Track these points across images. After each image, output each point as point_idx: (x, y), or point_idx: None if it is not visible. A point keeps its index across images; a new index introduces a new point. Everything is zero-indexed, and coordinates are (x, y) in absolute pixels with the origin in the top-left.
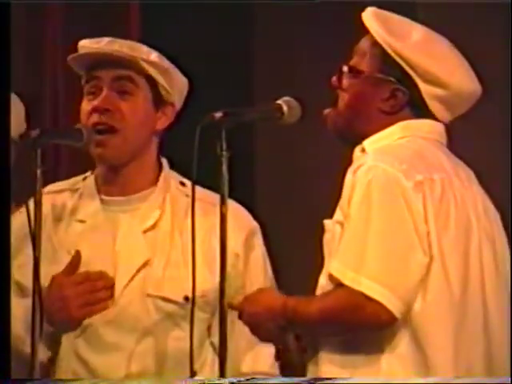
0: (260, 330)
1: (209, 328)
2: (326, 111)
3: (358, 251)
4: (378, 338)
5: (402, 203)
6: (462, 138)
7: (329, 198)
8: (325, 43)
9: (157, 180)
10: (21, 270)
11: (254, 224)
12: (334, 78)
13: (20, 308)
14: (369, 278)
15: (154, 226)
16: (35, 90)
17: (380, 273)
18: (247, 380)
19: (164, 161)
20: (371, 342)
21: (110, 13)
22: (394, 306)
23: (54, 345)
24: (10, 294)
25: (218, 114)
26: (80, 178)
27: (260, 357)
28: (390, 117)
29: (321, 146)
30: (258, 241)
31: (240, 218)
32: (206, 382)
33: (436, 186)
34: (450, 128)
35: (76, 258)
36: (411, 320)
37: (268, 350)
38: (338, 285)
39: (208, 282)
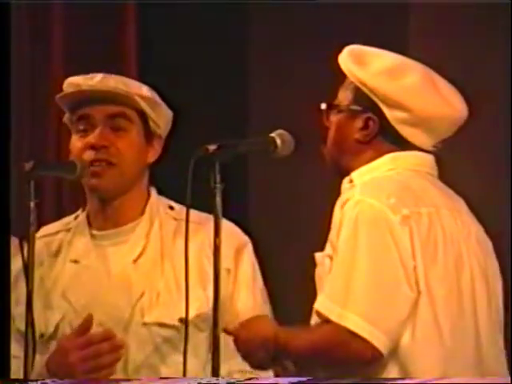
0: (251, 357)
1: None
2: (322, 150)
3: (345, 287)
4: (367, 371)
5: (388, 238)
6: (461, 139)
7: (321, 229)
8: (320, 73)
9: (144, 209)
10: (23, 319)
11: (245, 238)
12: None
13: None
14: (355, 313)
15: (141, 254)
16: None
17: (366, 309)
18: (244, 380)
19: (152, 189)
20: (362, 375)
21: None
22: (380, 343)
23: None
24: (9, 294)
25: (212, 147)
26: (72, 217)
27: None
28: (366, 146)
29: (313, 178)
30: (248, 254)
31: (229, 234)
32: (202, 381)
33: (423, 219)
34: (440, 158)
35: (87, 320)
36: (400, 354)
37: None
38: (325, 320)
39: (202, 299)
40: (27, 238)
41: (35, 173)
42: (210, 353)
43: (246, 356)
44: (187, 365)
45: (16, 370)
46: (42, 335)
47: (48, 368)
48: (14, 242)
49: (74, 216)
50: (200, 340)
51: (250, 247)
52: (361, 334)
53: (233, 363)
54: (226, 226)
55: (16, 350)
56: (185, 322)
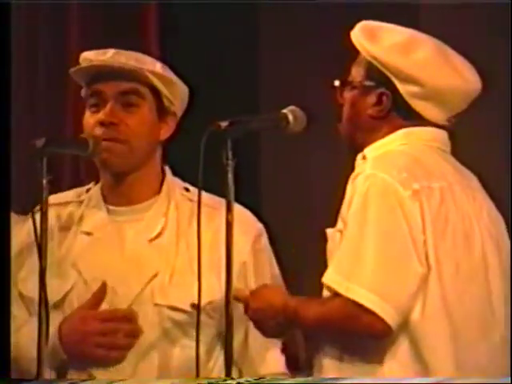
0: (263, 326)
1: (219, 334)
2: (338, 127)
3: (353, 260)
4: (378, 345)
5: (398, 212)
6: (460, 139)
7: (334, 205)
8: (331, 51)
9: (160, 188)
10: (26, 282)
11: (260, 226)
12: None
13: (32, 329)
14: (364, 287)
15: (159, 235)
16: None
17: (375, 282)
18: (255, 380)
19: (167, 169)
20: (371, 349)
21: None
22: (389, 316)
23: (64, 368)
24: (10, 295)
25: (224, 123)
26: (83, 189)
27: (277, 358)
28: (379, 121)
29: (325, 154)
30: (265, 242)
31: (245, 223)
32: (213, 381)
33: (434, 194)
34: (453, 134)
35: (102, 289)
36: (410, 328)
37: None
38: (334, 293)
39: (215, 287)
40: (41, 214)
41: (47, 150)
42: (217, 340)
43: (258, 324)
44: (193, 349)
45: (13, 331)
46: (39, 303)
47: (60, 332)
48: (15, 216)
49: (85, 188)
50: (208, 327)
51: (265, 235)
52: (369, 307)
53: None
54: (241, 213)
55: (15, 309)
56: (197, 308)
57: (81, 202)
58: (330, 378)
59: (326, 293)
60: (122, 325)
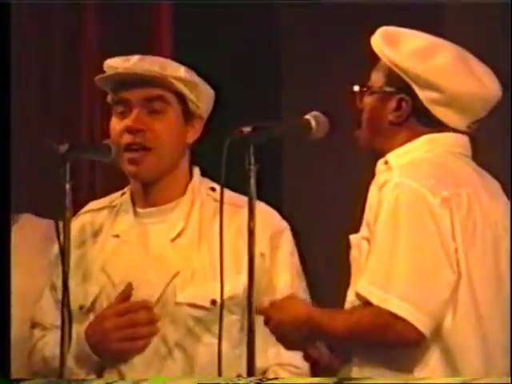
0: (285, 339)
1: (242, 329)
2: (356, 132)
3: (386, 269)
4: (409, 353)
5: (429, 220)
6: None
7: (356, 211)
8: (354, 56)
9: (186, 189)
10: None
11: (282, 223)
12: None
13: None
14: (396, 296)
15: (180, 234)
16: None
17: (408, 291)
18: (271, 379)
19: (195, 169)
20: (402, 357)
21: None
22: (423, 325)
23: (101, 370)
24: (10, 295)
25: (247, 129)
26: (118, 193)
27: (279, 351)
28: (398, 127)
29: (348, 159)
30: (286, 239)
31: (266, 219)
32: (230, 382)
33: (462, 200)
34: (474, 140)
35: (127, 289)
36: (441, 336)
37: None
38: (365, 303)
39: (235, 283)
40: (64, 220)
41: (70, 155)
42: (241, 335)
43: (280, 337)
44: (216, 347)
45: (54, 342)
46: (81, 307)
47: (86, 335)
48: (43, 222)
49: (120, 193)
50: (231, 323)
51: (287, 233)
52: (403, 316)
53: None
54: (264, 210)
55: (56, 319)
56: (220, 304)
57: (114, 207)
58: (350, 378)
59: (351, 301)
60: (138, 315)
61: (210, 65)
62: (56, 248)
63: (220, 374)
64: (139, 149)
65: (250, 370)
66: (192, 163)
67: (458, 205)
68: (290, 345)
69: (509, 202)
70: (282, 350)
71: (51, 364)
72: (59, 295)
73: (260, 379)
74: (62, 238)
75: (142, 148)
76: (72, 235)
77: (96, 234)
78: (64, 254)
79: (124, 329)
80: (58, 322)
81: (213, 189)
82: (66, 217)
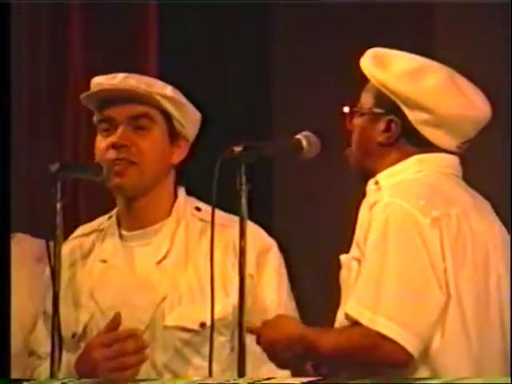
0: (277, 357)
1: (232, 350)
2: (346, 152)
3: (375, 290)
4: (398, 375)
5: (418, 241)
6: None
7: (347, 231)
8: (345, 76)
9: (171, 210)
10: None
11: (268, 241)
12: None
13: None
14: (385, 317)
15: (165, 256)
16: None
17: (397, 312)
18: (265, 380)
19: (181, 189)
20: (391, 378)
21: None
22: (411, 345)
23: None
24: (10, 295)
25: (238, 149)
26: (106, 217)
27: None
28: (388, 148)
29: (339, 180)
30: (272, 257)
31: (252, 237)
32: (224, 382)
33: (452, 220)
34: (464, 160)
35: (115, 319)
36: (430, 357)
37: None
38: (354, 323)
39: (224, 304)
40: (54, 240)
41: (61, 174)
42: (231, 357)
43: (272, 356)
44: (206, 370)
45: (43, 369)
46: (73, 335)
47: (76, 366)
48: (35, 241)
49: (108, 216)
50: (221, 344)
51: (274, 250)
52: (392, 337)
53: (259, 373)
54: (251, 228)
55: (49, 347)
56: (211, 326)
57: (101, 230)
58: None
59: (340, 321)
60: (127, 344)
61: (196, 84)
62: (48, 271)
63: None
64: (123, 161)
65: (241, 373)
66: (177, 184)
67: (448, 225)
68: (282, 363)
69: (498, 222)
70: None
71: None
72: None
73: (253, 381)
74: (52, 258)
75: (126, 162)
76: (62, 260)
77: (84, 258)
78: (54, 274)
79: (112, 359)
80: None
81: (198, 208)
82: (56, 236)
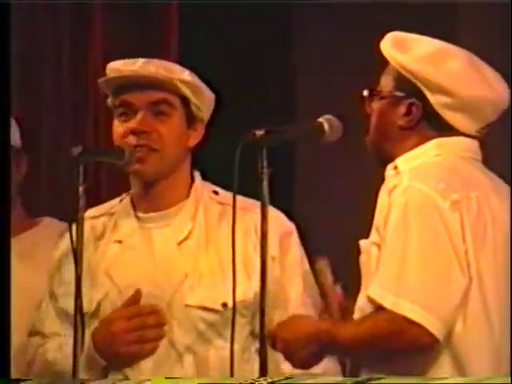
0: (293, 358)
1: (252, 333)
2: (365, 137)
3: (398, 274)
4: (420, 359)
5: (439, 224)
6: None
7: (367, 216)
8: (368, 60)
9: (189, 193)
10: (66, 297)
11: (289, 225)
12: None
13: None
14: (409, 300)
15: (187, 237)
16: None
17: (420, 295)
18: (285, 379)
19: (196, 173)
20: (414, 364)
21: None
22: (436, 329)
23: (106, 375)
24: (10, 294)
25: (260, 132)
26: (117, 200)
27: None
28: (408, 132)
29: (361, 163)
30: (294, 241)
31: (274, 221)
32: (243, 382)
33: (472, 203)
34: (484, 144)
35: (136, 295)
36: (452, 341)
37: None
38: (378, 308)
39: (246, 286)
40: (77, 222)
41: (84, 158)
42: (250, 339)
43: (288, 357)
44: (226, 350)
45: (56, 347)
46: (85, 312)
47: (93, 339)
48: (62, 225)
49: (119, 199)
50: (242, 326)
51: (295, 234)
52: (417, 321)
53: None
54: (272, 212)
55: (56, 327)
56: (233, 308)
57: (113, 214)
58: (368, 378)
59: (361, 307)
60: (147, 319)
61: (216, 68)
62: (57, 253)
63: (232, 375)
64: (143, 148)
65: (263, 372)
66: (193, 167)
67: (468, 208)
68: (298, 363)
69: None
70: None
71: (53, 368)
72: (61, 303)
73: (273, 380)
74: (74, 240)
75: (147, 148)
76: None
77: (97, 240)
78: (77, 256)
79: (133, 332)
80: (59, 330)
81: (215, 192)
82: (78, 219)
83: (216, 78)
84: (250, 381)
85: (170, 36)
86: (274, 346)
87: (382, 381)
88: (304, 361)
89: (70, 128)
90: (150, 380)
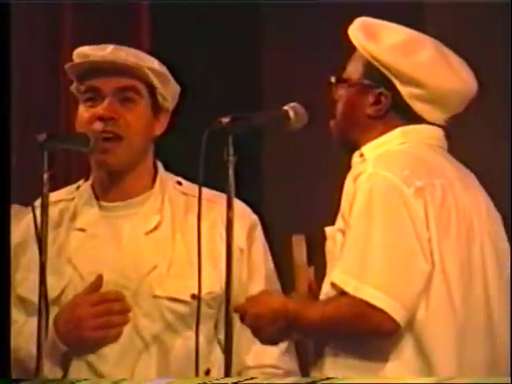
0: (261, 333)
1: (216, 325)
2: (330, 123)
3: (361, 259)
4: (382, 344)
5: (403, 210)
6: (461, 139)
7: (333, 203)
8: (332, 47)
9: (153, 183)
10: (23, 284)
11: (254, 217)
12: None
13: (32, 327)
14: (372, 286)
15: (155, 228)
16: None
17: (383, 281)
18: (250, 379)
19: (159, 164)
20: (376, 348)
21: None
22: (398, 314)
23: (67, 363)
24: (9, 294)
25: (226, 119)
26: (73, 187)
27: (266, 349)
28: (377, 121)
29: (327, 151)
30: (259, 233)
31: (240, 213)
32: (208, 382)
33: (437, 191)
34: (450, 132)
35: (98, 281)
36: (414, 327)
37: None
38: (341, 293)
39: (213, 278)
40: (42, 208)
41: (48, 144)
42: (216, 329)
43: (256, 332)
44: (192, 341)
45: (15, 335)
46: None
47: (55, 324)
48: (17, 209)
49: (75, 186)
50: (209, 317)
51: (259, 227)
52: (379, 306)
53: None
54: (237, 205)
55: (15, 314)
56: (198, 299)
57: (71, 200)
58: (326, 378)
59: (327, 292)
60: (113, 304)
61: (185, 57)
62: (13, 239)
63: (197, 372)
64: (112, 138)
65: (227, 371)
66: (155, 157)
67: (433, 195)
68: (266, 339)
69: (484, 194)
70: (262, 350)
71: (15, 355)
72: (17, 290)
73: (237, 381)
74: (39, 227)
75: (114, 136)
76: (29, 228)
77: (55, 226)
78: (41, 243)
79: (98, 317)
80: (15, 317)
81: (179, 182)
82: (43, 205)
83: (179, 65)
84: (214, 381)
85: (141, 34)
86: (242, 320)
87: (341, 381)
88: (271, 336)
89: (39, 114)
90: (126, 379)
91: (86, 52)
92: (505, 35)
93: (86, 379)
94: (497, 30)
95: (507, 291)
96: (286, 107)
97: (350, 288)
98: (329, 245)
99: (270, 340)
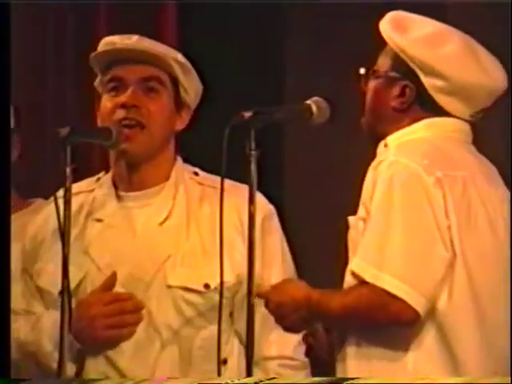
0: (283, 320)
1: (231, 314)
2: (361, 120)
3: (380, 248)
4: (404, 333)
5: (423, 198)
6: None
7: (355, 196)
8: (359, 41)
9: (170, 174)
10: (43, 275)
11: (270, 207)
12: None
13: (48, 321)
14: (391, 274)
15: (168, 217)
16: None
17: (402, 270)
18: (271, 379)
19: (178, 157)
20: (398, 338)
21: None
22: (418, 304)
23: (81, 359)
24: (9, 294)
25: (248, 114)
26: (93, 179)
27: (285, 340)
28: (402, 114)
29: (349, 145)
30: (275, 224)
31: (256, 203)
32: (230, 382)
33: (457, 183)
34: (475, 127)
35: (112, 278)
36: (436, 316)
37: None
38: (361, 282)
39: (227, 267)
40: (64, 202)
41: (71, 139)
42: (231, 318)
43: (278, 319)
44: (207, 331)
45: (28, 329)
46: (61, 291)
47: (69, 323)
48: (39, 203)
49: (95, 178)
50: (223, 307)
51: (275, 216)
52: (398, 295)
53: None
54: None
55: (29, 305)
56: (220, 289)
57: (91, 191)
58: (349, 378)
59: (348, 282)
60: (126, 303)
61: (209, 51)
62: (30, 231)
63: (219, 372)
64: (133, 125)
65: (249, 372)
66: (176, 152)
67: (452, 187)
68: (288, 326)
69: (506, 188)
70: (280, 340)
71: (26, 348)
72: (35, 281)
73: (259, 379)
74: (62, 220)
75: (137, 124)
76: (49, 218)
77: (75, 218)
78: (64, 236)
79: (111, 317)
80: (31, 308)
81: (196, 173)
82: (66, 200)
83: (207, 62)
84: (236, 381)
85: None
86: (266, 307)
87: (364, 381)
88: (293, 324)
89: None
90: (147, 380)
91: (111, 40)
92: (505, 35)
93: (107, 377)
94: (497, 30)
95: None
96: (308, 101)
97: (368, 276)
98: (351, 233)
99: (292, 328)
